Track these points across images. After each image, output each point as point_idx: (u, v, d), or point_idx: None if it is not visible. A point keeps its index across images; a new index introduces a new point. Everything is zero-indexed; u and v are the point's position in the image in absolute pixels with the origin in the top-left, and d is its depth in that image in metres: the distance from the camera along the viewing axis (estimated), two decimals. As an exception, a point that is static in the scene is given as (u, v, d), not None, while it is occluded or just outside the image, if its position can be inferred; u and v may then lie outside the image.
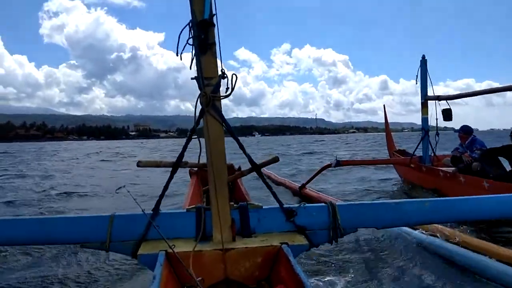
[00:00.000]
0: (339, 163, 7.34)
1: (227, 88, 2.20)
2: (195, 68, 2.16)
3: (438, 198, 2.62)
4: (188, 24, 2.10)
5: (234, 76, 2.17)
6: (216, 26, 2.10)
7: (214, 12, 2.09)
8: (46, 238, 2.31)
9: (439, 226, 4.40)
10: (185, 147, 2.34)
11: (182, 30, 2.10)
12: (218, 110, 2.18)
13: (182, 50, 2.12)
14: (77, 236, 2.27)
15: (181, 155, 2.35)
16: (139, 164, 3.75)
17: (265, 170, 10.70)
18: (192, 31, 2.09)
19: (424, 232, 4.34)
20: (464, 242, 4.00)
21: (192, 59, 2.13)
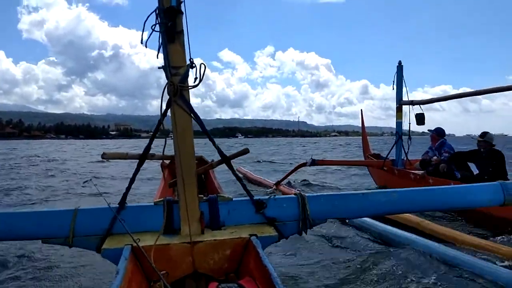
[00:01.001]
0: (314, 162, 7.52)
1: (196, 78, 2.14)
2: (163, 57, 2.10)
3: (406, 189, 2.66)
4: (155, 10, 2.03)
5: (203, 65, 2.11)
6: (184, 13, 2.05)
7: None
8: (5, 234, 2.21)
9: (412, 216, 4.67)
10: (152, 139, 2.30)
11: (148, 16, 2.01)
12: (186, 100, 2.13)
13: (148, 38, 2.07)
14: (38, 231, 2.19)
15: (148, 147, 2.31)
16: (104, 156, 3.69)
17: (241, 169, 10.92)
18: (159, 18, 2.02)
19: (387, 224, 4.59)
20: (430, 230, 4.37)
21: (159, 48, 2.07)
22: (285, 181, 7.91)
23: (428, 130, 7.18)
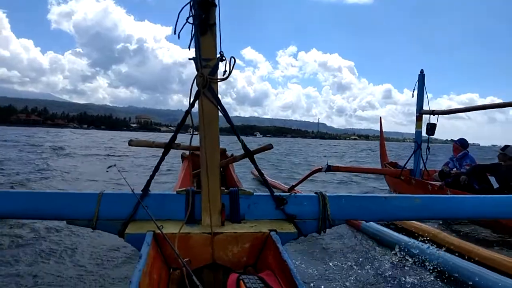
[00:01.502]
0: (329, 168, 7.46)
1: (225, 71, 2.15)
2: (194, 49, 2.12)
3: (428, 195, 2.63)
4: (189, 2, 2.04)
5: (232, 59, 2.11)
6: (217, 6, 2.06)
7: None
8: (32, 212, 2.27)
9: (428, 227, 4.59)
10: (178, 129, 2.31)
11: (183, 8, 2.04)
12: (214, 92, 2.14)
13: (181, 29, 2.08)
14: (64, 212, 2.23)
15: (174, 136, 2.34)
16: (131, 143, 3.74)
17: (255, 171, 10.83)
18: (192, 10, 2.04)
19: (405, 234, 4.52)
20: (448, 242, 4.22)
21: (191, 39, 2.09)
22: (299, 186, 7.84)
23: (452, 140, 7.04)
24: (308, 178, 7.94)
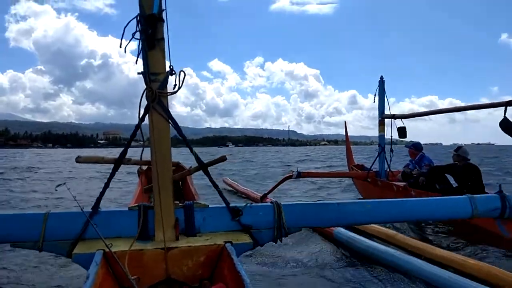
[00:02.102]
0: (300, 175, 7.59)
1: (175, 85, 2.13)
2: (142, 63, 2.09)
3: (379, 200, 2.69)
4: (136, 17, 2.02)
5: (182, 73, 2.10)
6: (165, 21, 2.05)
7: (163, 7, 2.03)
8: None
9: (382, 228, 4.70)
10: (128, 143, 2.27)
11: (128, 23, 2.00)
12: (164, 106, 2.12)
13: (127, 44, 2.06)
14: (8, 235, 2.14)
15: (124, 151, 2.29)
16: (78, 159, 3.69)
17: (228, 180, 10.90)
18: (139, 25, 2.02)
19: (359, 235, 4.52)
20: (403, 243, 4.30)
21: (138, 54, 2.07)
22: (271, 194, 7.96)
23: (406, 146, 7.44)
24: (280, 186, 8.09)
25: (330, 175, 9.93)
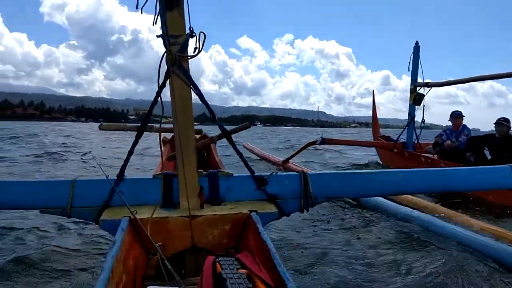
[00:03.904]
0: (323, 141, 7.51)
1: (195, 48, 2.06)
2: (159, 26, 2.00)
3: (412, 169, 2.58)
4: None
5: (202, 34, 2.02)
6: None
7: None
8: (4, 202, 2.23)
9: (416, 199, 4.49)
10: (150, 111, 2.27)
11: None
12: (185, 70, 2.06)
13: (144, 4, 1.95)
14: (37, 201, 2.21)
15: (146, 118, 2.31)
16: (101, 127, 3.67)
17: (248, 144, 10.86)
18: None
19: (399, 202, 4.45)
20: (435, 213, 4.15)
21: (157, 15, 1.99)
22: (293, 159, 7.82)
23: (455, 112, 6.73)
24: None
25: (355, 143, 9.72)
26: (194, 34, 2.02)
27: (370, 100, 10.08)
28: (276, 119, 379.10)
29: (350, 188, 2.44)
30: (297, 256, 3.36)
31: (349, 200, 4.84)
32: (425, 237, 3.64)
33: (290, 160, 7.43)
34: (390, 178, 2.48)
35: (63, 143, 17.69)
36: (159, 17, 2.00)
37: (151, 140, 11.84)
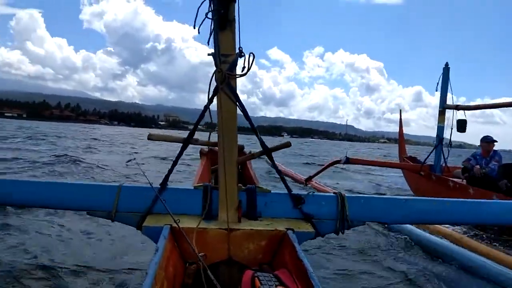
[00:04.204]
0: (348, 160, 7.43)
1: (244, 67, 2.14)
2: (213, 44, 2.12)
3: (449, 199, 2.53)
4: None
5: (251, 55, 2.09)
6: (237, 2, 2.05)
7: None
8: (54, 202, 2.33)
9: (448, 230, 4.39)
10: (196, 124, 2.33)
11: (202, 3, 2.04)
12: (233, 88, 2.14)
13: (201, 24, 2.08)
14: (85, 203, 2.29)
15: (193, 131, 2.36)
16: (151, 137, 3.85)
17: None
18: (212, 5, 2.03)
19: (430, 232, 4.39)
20: (472, 247, 4.01)
21: (210, 34, 2.09)
22: (317, 177, 7.77)
23: (486, 137, 6.48)
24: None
25: (380, 164, 9.56)
26: (243, 54, 2.11)
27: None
28: (304, 130, 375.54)
29: (387, 213, 2.41)
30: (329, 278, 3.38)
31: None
32: (455, 275, 3.56)
33: (313, 178, 7.37)
34: (428, 206, 2.43)
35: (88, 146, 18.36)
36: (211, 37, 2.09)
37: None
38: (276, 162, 8.65)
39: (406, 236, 4.54)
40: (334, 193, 2.41)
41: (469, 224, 4.68)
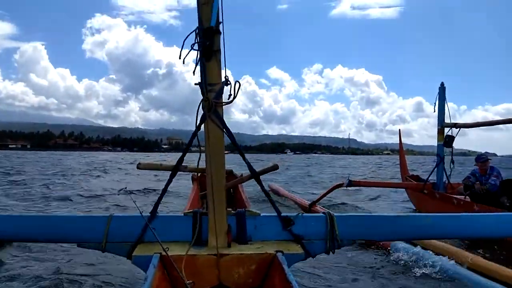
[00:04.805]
0: (351, 183, 7.38)
1: (230, 95, 2.19)
2: (199, 74, 2.19)
3: (441, 214, 2.56)
4: (195, 30, 2.12)
5: (237, 83, 2.16)
6: (222, 34, 2.13)
7: (220, 20, 2.12)
8: (43, 236, 2.33)
9: (445, 245, 4.39)
10: (185, 151, 2.38)
11: (188, 35, 2.11)
12: (219, 116, 2.19)
13: (186, 55, 2.14)
14: (75, 235, 2.29)
15: (181, 159, 2.39)
16: (139, 166, 3.88)
17: (274, 185, 10.86)
18: (198, 37, 2.11)
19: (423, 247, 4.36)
20: (470, 263, 3.99)
21: (196, 65, 2.15)
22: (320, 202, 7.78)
23: (480, 156, 6.64)
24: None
25: (383, 185, 9.60)
26: (229, 82, 2.19)
27: (402, 127, 10.12)
28: (306, 146, 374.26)
29: (377, 231, 2.41)
30: None
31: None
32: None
33: (317, 203, 7.39)
34: (418, 222, 2.43)
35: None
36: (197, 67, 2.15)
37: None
38: (277, 187, 8.74)
39: (397, 250, 4.56)
40: (323, 213, 2.41)
41: (462, 238, 4.71)
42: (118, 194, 9.98)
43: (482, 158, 6.55)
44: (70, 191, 11.36)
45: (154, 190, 10.89)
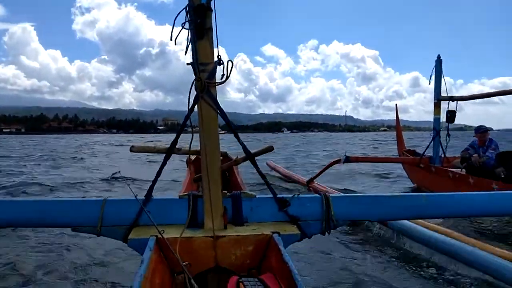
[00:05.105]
0: (348, 159, 7.42)
1: (223, 75, 2.16)
2: (191, 54, 2.13)
3: (436, 193, 2.54)
4: (185, 8, 2.07)
5: (230, 62, 2.12)
6: (213, 11, 2.07)
7: None
8: (37, 221, 2.32)
9: (436, 226, 4.40)
10: (178, 133, 2.34)
11: (178, 14, 2.06)
12: (213, 96, 2.15)
13: (178, 35, 2.10)
14: (69, 219, 2.27)
15: (175, 141, 2.34)
16: (132, 149, 3.78)
17: (271, 163, 10.86)
18: (188, 16, 2.06)
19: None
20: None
21: (188, 44, 2.11)
22: (317, 178, 7.81)
23: (480, 127, 6.57)
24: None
25: (380, 160, 9.62)
26: (222, 62, 2.12)
27: (399, 102, 10.11)
28: (303, 125, 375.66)
29: (372, 211, 2.42)
30: (317, 276, 3.46)
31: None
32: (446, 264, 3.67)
33: (314, 180, 7.41)
34: (413, 202, 2.44)
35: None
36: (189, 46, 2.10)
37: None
38: (275, 165, 8.65)
39: (396, 229, 4.55)
40: (319, 194, 2.41)
41: (458, 217, 4.63)
42: (112, 178, 9.95)
43: (481, 129, 6.50)
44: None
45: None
